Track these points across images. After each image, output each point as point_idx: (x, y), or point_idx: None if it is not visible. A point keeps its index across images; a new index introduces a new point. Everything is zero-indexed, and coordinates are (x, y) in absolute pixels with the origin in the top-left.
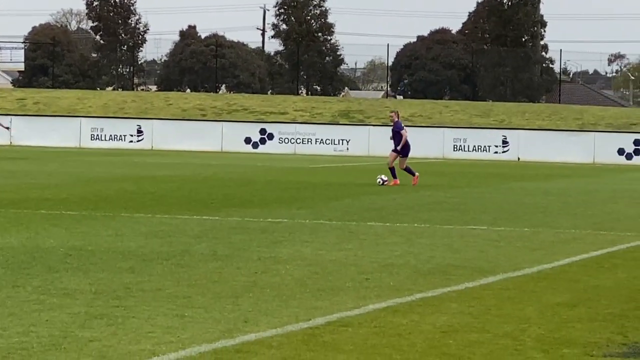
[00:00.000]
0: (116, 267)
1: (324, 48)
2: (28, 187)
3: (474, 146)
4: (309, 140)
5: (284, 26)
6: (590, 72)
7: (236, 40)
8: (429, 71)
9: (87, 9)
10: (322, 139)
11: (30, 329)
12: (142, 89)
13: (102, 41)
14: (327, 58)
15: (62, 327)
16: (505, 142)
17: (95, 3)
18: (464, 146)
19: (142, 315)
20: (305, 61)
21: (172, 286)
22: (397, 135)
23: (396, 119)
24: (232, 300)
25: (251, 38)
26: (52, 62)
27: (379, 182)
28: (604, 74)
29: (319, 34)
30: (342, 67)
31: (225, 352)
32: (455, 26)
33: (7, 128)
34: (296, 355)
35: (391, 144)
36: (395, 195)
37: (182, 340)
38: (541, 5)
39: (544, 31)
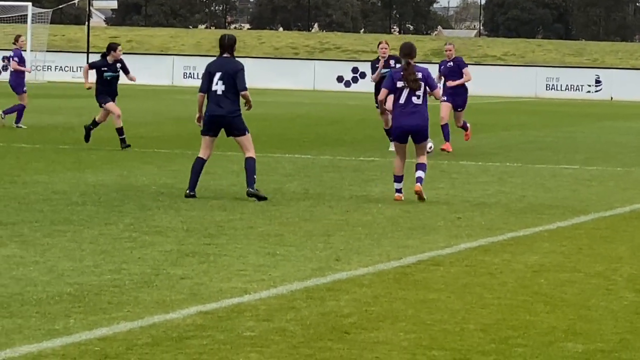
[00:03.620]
0: (208, 205)
1: None
2: None
3: (567, 85)
4: None
5: None
6: None
7: None
8: (522, 10)
9: None
10: None
11: (122, 266)
12: (235, 27)
13: None
14: None
15: (154, 264)
16: (598, 82)
17: None
18: (557, 85)
19: (234, 253)
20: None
21: (264, 224)
22: (454, 76)
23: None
24: (323, 238)
25: None
26: (145, 0)
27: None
28: None
29: None
30: (435, 5)
31: (316, 290)
32: None
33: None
34: (387, 294)
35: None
36: (486, 134)
37: (274, 278)
38: None
39: None
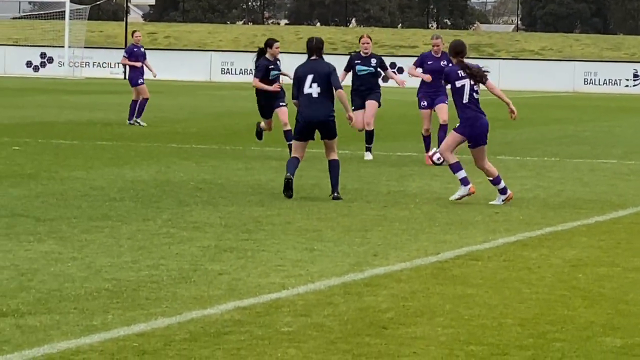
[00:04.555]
0: (246, 200)
1: None
2: (159, 120)
3: (605, 80)
4: None
5: None
6: None
7: None
8: (560, 4)
9: None
10: None
11: (160, 262)
12: (273, 23)
13: None
14: None
15: (192, 260)
16: (636, 76)
17: None
18: (595, 80)
19: (272, 249)
20: None
21: (302, 220)
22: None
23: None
24: (361, 234)
25: None
26: None
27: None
28: None
29: None
30: (472, 0)
31: (354, 285)
32: None
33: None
34: (425, 289)
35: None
36: (524, 129)
37: (312, 274)
38: None
39: None
